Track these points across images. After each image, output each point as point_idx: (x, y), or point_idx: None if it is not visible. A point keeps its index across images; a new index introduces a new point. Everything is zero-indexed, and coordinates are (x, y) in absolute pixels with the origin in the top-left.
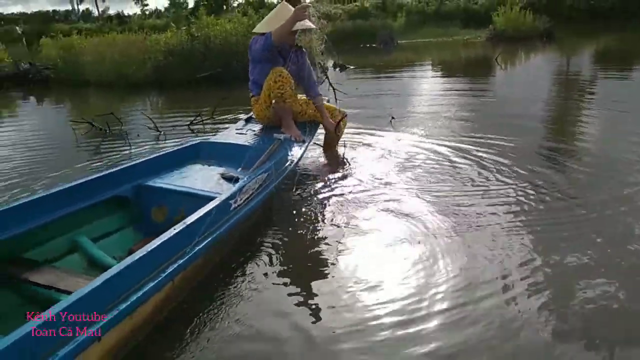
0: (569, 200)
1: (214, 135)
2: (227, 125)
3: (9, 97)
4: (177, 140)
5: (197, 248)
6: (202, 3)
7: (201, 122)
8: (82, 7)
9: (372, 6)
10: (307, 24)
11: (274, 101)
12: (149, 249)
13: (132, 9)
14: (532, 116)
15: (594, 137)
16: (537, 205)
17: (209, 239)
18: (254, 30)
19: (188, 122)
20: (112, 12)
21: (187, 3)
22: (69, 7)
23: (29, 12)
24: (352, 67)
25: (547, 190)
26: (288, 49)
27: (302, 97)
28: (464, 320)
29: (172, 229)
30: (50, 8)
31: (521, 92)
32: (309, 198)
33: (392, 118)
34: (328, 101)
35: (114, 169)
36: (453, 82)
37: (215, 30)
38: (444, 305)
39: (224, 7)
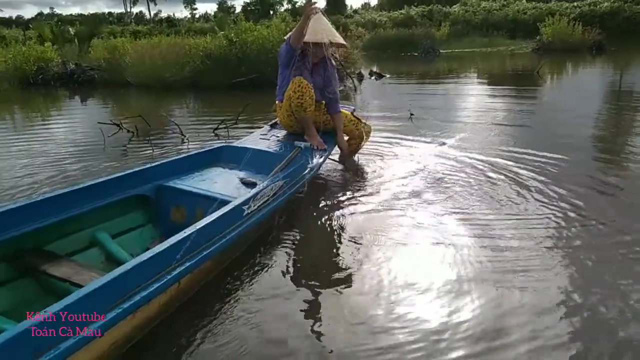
0: (612, 227)
1: (238, 139)
2: (252, 131)
3: (57, 95)
4: (200, 144)
5: (206, 252)
6: (248, 8)
7: (225, 128)
8: (135, 10)
9: (418, 15)
10: (319, 36)
11: (294, 110)
12: (157, 251)
13: (182, 13)
14: (575, 133)
15: None
16: (579, 234)
17: (219, 244)
18: (285, 37)
19: (214, 127)
20: (164, 15)
21: (235, 7)
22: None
23: (85, 13)
24: (388, 75)
25: (592, 216)
26: (317, 59)
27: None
28: None
29: (182, 232)
30: (106, 10)
31: (563, 106)
32: (326, 208)
33: (411, 114)
34: (354, 111)
35: (137, 169)
36: (491, 93)
37: (252, 35)
38: (464, 348)
39: (270, 12)
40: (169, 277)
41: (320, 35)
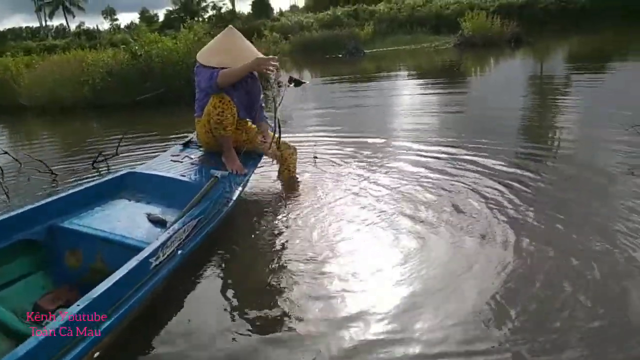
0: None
1: (144, 163)
2: (141, 161)
3: None
4: (74, 181)
5: (104, 326)
6: (171, 16)
7: (104, 160)
8: (56, 23)
9: (344, 15)
10: (245, 55)
11: (213, 128)
12: (40, 339)
13: (103, 25)
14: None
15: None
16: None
17: (119, 313)
18: (197, 57)
19: (96, 160)
20: (89, 27)
21: (158, 16)
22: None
23: (2, 29)
24: (307, 82)
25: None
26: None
27: (250, 123)
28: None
29: (60, 317)
30: (24, 25)
31: (490, 96)
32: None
33: (315, 157)
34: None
35: (23, 209)
36: (414, 91)
37: (157, 48)
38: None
39: (196, 19)
40: None
41: (245, 54)
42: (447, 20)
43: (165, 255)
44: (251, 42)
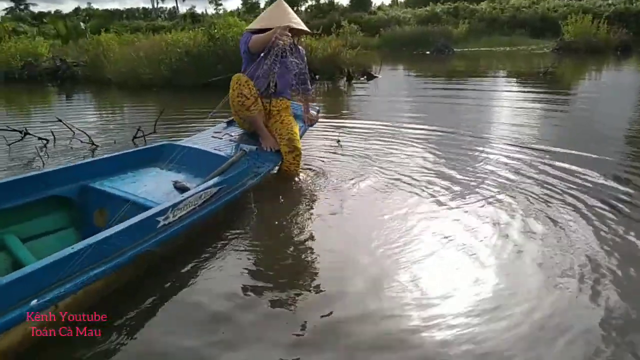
0: None
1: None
2: (179, 138)
3: (43, 91)
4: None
5: (102, 269)
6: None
7: (142, 136)
8: (169, 5)
9: (443, 11)
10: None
11: (237, 110)
12: (30, 269)
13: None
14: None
15: None
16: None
17: (120, 259)
18: (246, 28)
19: (135, 136)
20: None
21: (259, 3)
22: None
23: (122, 8)
24: (379, 76)
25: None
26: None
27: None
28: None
29: (70, 248)
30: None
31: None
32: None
33: (338, 142)
34: (319, 112)
35: (58, 167)
36: (491, 96)
37: (232, 31)
38: None
39: (295, 9)
40: (50, 295)
41: (282, 20)
42: (552, 23)
43: (177, 217)
44: (330, 31)
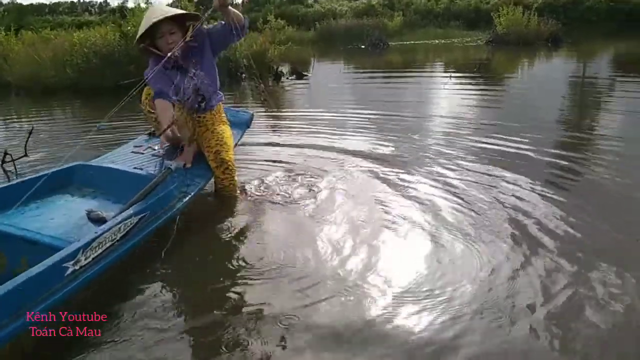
0: None
1: (104, 154)
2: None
3: None
4: None
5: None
6: None
7: (11, 160)
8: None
9: (379, 4)
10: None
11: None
12: None
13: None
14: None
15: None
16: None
17: (15, 324)
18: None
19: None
20: (130, 4)
21: None
22: None
23: (47, 2)
24: (309, 74)
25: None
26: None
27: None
28: None
29: None
30: None
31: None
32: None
33: None
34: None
35: None
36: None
37: None
38: None
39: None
40: None
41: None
42: (485, 15)
43: (90, 258)
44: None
